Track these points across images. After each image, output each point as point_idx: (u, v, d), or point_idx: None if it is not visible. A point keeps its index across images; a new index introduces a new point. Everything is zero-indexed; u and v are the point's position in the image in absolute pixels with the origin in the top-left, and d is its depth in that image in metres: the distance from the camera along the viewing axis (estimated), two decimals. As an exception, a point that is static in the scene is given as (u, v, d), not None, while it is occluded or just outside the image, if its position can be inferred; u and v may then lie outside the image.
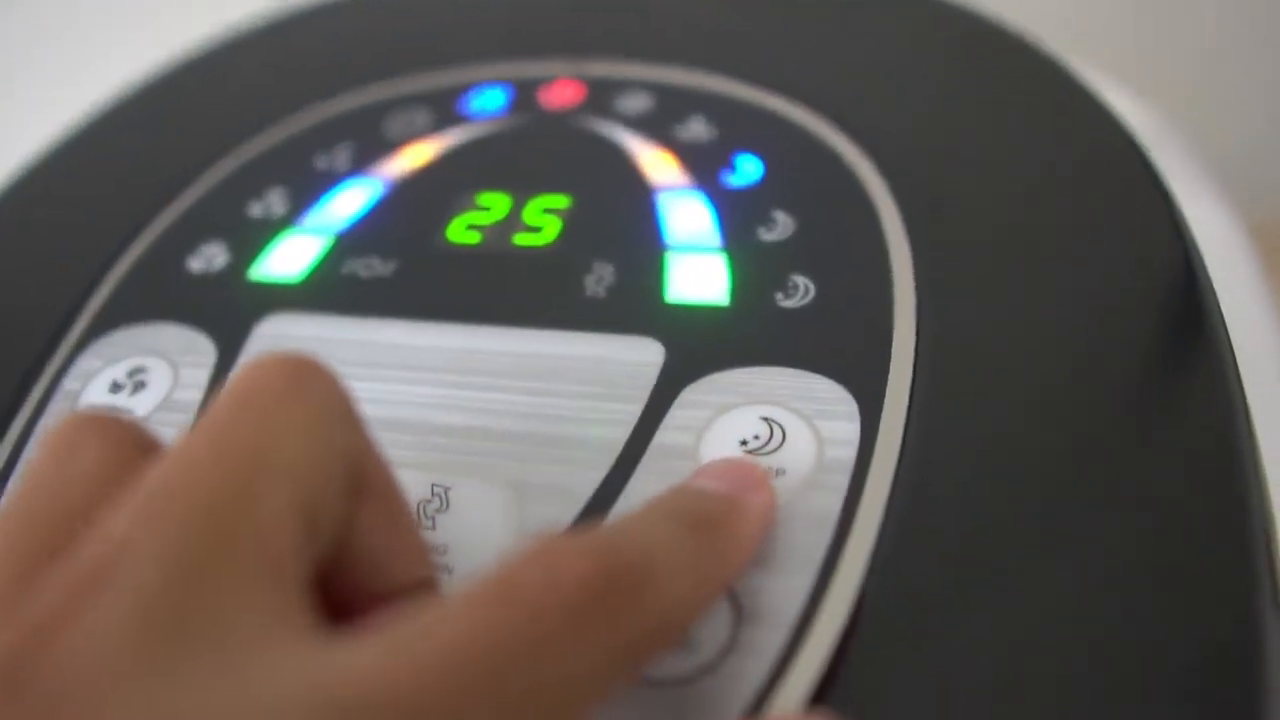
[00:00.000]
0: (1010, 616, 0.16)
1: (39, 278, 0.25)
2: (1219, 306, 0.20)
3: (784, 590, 0.16)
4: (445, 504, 0.18)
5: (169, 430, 0.21)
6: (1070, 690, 0.15)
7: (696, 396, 0.19)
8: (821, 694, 0.15)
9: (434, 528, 0.18)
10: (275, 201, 0.26)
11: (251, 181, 0.27)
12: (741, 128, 0.25)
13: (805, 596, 0.16)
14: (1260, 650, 0.15)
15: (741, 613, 0.16)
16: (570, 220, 0.23)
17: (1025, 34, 0.27)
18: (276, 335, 0.22)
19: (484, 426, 0.19)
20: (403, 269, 0.23)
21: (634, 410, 0.19)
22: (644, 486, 0.18)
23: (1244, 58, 0.70)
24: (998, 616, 0.16)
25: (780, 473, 0.18)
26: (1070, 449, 0.17)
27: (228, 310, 0.23)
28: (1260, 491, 0.17)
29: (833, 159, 0.24)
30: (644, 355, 0.20)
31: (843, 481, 0.17)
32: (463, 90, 0.28)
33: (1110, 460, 0.17)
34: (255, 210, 0.26)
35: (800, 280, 0.21)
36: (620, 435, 0.19)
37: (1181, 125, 0.36)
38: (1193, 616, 0.15)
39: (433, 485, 0.19)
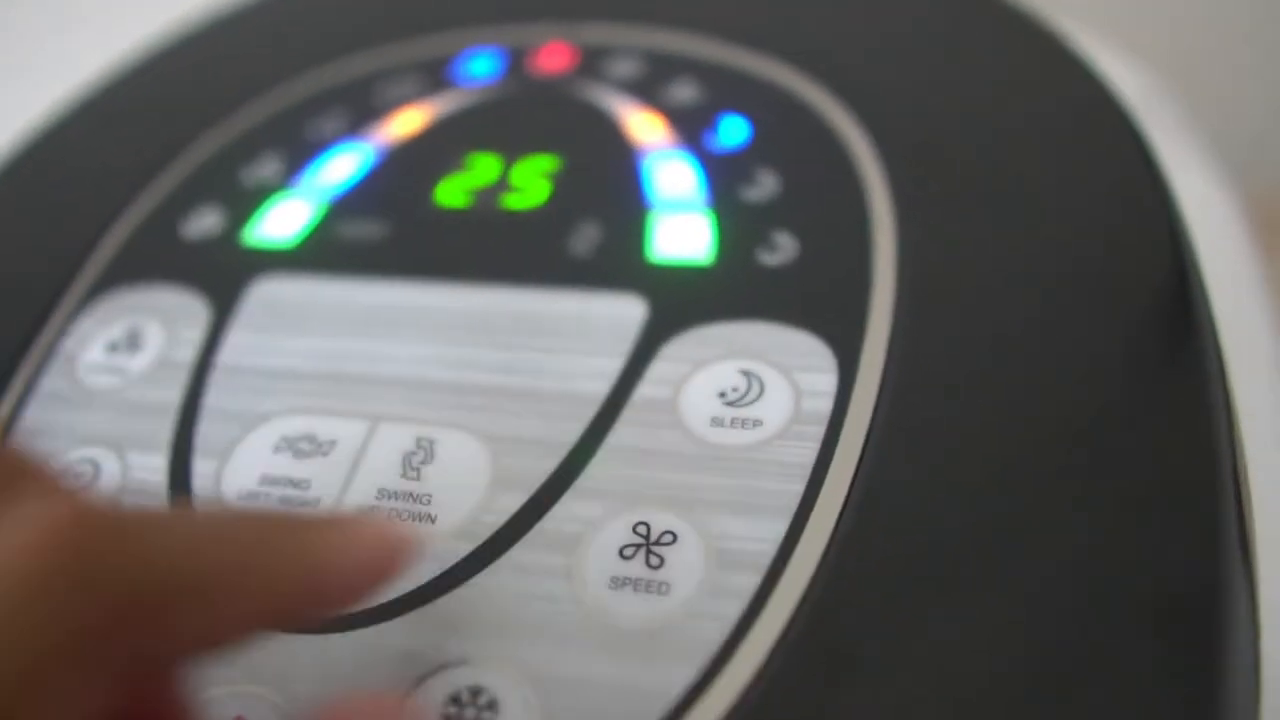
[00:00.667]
0: (979, 564, 0.16)
1: (36, 244, 0.26)
2: (1199, 266, 0.20)
3: (759, 536, 0.16)
4: (430, 456, 0.19)
5: (165, 390, 0.21)
6: (1039, 632, 0.15)
7: (677, 351, 0.19)
8: (792, 635, 0.15)
9: (419, 478, 0.18)
10: (268, 167, 0.26)
11: (244, 148, 0.27)
12: (729, 90, 0.25)
13: (778, 543, 0.16)
14: (1221, 596, 0.15)
15: (718, 557, 0.16)
16: (558, 182, 0.24)
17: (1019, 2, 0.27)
18: (268, 297, 0.23)
19: (469, 381, 0.20)
20: (393, 232, 0.23)
21: (615, 365, 0.19)
22: (624, 438, 0.18)
23: (1248, 25, 0.69)
24: (967, 564, 0.16)
25: (758, 424, 0.18)
26: (1042, 401, 0.18)
27: (222, 273, 0.23)
28: (1232, 440, 0.17)
29: (819, 121, 0.24)
30: (626, 311, 0.20)
31: (818, 432, 0.18)
32: (454, 56, 0.28)
33: (1080, 412, 0.18)
34: (248, 176, 0.26)
35: (782, 238, 0.21)
36: (602, 389, 0.19)
37: (1178, 90, 0.36)
38: (1160, 555, 0.15)
39: (418, 438, 0.19)
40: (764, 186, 0.22)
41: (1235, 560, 0.16)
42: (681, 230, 0.22)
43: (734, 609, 0.16)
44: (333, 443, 0.19)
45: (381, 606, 0.17)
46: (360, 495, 0.18)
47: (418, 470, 0.19)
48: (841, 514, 0.17)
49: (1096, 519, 0.16)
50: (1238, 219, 0.30)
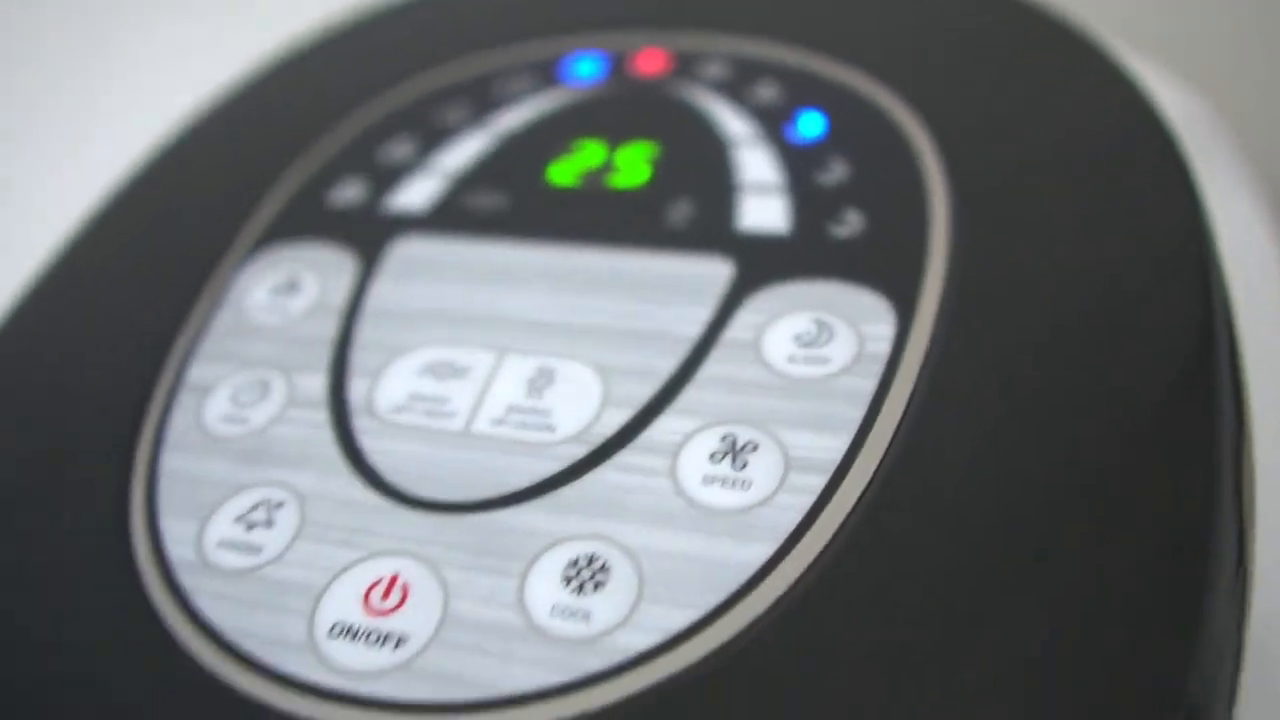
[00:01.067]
0: (1006, 476, 0.19)
1: (206, 206, 0.30)
2: (1214, 240, 0.23)
3: (826, 447, 0.20)
4: (550, 380, 0.22)
5: (322, 326, 0.25)
6: (1061, 540, 0.18)
7: (759, 303, 0.23)
8: (851, 523, 0.19)
9: (540, 398, 0.22)
10: (401, 149, 0.30)
11: (380, 133, 0.31)
12: (807, 90, 0.29)
13: (843, 452, 0.20)
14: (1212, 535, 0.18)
15: (792, 461, 0.20)
16: (657, 165, 0.27)
17: (1076, 21, 0.30)
18: (406, 254, 0.26)
19: (580, 323, 0.23)
20: (511, 204, 0.27)
21: (706, 313, 0.23)
22: (713, 371, 0.22)
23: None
24: (997, 475, 0.19)
25: (827, 361, 0.21)
26: (1066, 356, 0.21)
27: (365, 233, 0.27)
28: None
29: (886, 119, 0.27)
30: (716, 270, 0.24)
31: (878, 369, 0.21)
32: (561, 58, 0.32)
33: (1102, 368, 0.21)
34: (384, 156, 0.30)
35: (851, 214, 0.24)
36: (695, 331, 0.23)
37: (1234, 124, 0.38)
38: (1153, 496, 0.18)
39: (539, 367, 0.23)
40: (836, 172, 0.26)
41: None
42: (764, 207, 0.25)
43: (804, 501, 0.19)
44: (467, 369, 0.23)
45: (507, 495, 0.20)
46: (491, 411, 0.22)
47: (540, 392, 0.22)
48: (895, 434, 0.20)
49: (1101, 451, 0.19)
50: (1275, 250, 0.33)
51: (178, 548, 0.21)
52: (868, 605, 0.18)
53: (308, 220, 0.28)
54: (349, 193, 0.29)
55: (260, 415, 0.23)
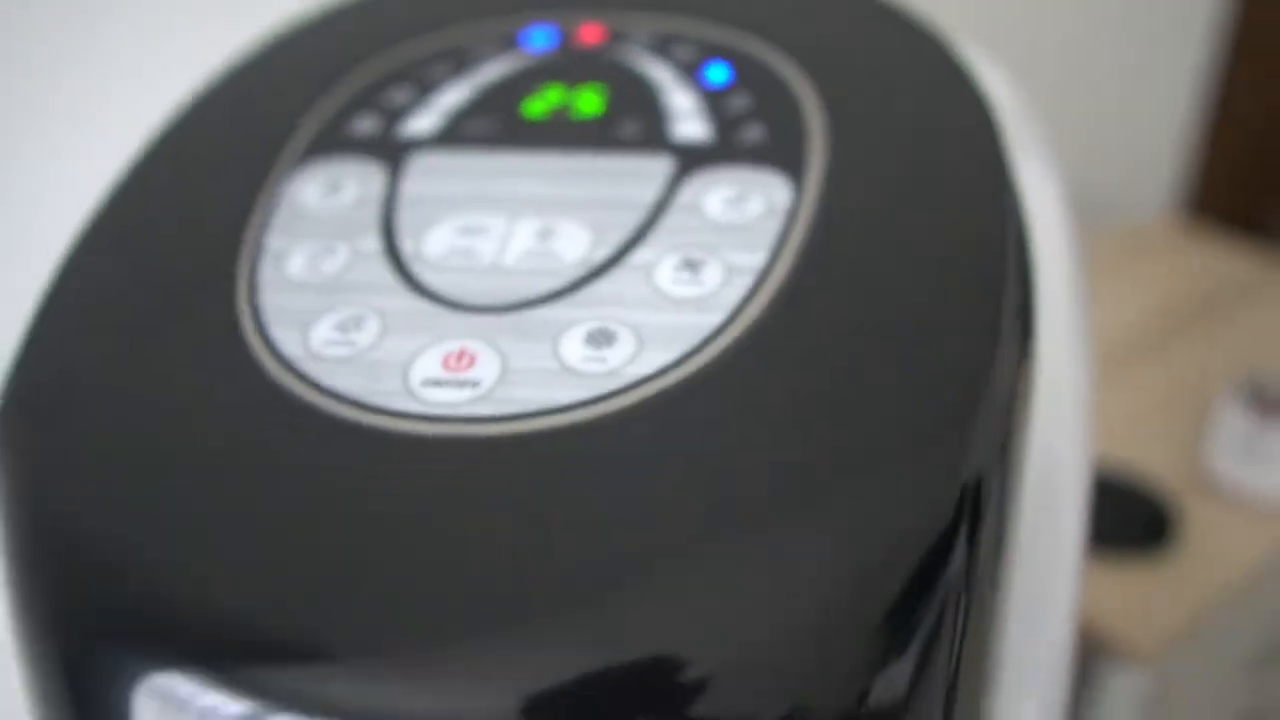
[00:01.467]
0: (863, 276, 0.29)
1: (244, 138, 0.37)
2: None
3: (754, 259, 0.29)
4: (552, 232, 0.31)
5: (368, 211, 0.33)
6: (900, 328, 0.28)
7: (694, 181, 0.32)
8: (771, 304, 0.28)
9: (546, 243, 0.31)
10: (401, 95, 0.38)
11: (380, 86, 0.39)
12: (717, 51, 0.38)
13: (765, 261, 0.29)
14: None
15: (730, 268, 0.29)
16: (608, 102, 0.37)
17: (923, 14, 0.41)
18: (424, 162, 0.35)
19: (568, 196, 0.32)
20: (499, 129, 0.36)
21: (658, 187, 0.32)
22: (669, 222, 0.31)
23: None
24: (856, 274, 0.29)
25: (747, 212, 0.31)
26: (901, 204, 0.31)
27: (386, 152, 0.36)
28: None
29: (776, 69, 0.37)
30: (661, 164, 0.33)
31: (784, 214, 0.31)
32: (519, 30, 0.41)
33: (921, 222, 0.31)
34: (387, 102, 0.38)
35: (754, 126, 0.34)
36: (653, 198, 0.32)
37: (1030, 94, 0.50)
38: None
39: (542, 225, 0.31)
40: (740, 102, 0.36)
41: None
42: (691, 126, 0.35)
43: (741, 291, 0.28)
44: (488, 229, 0.32)
45: (535, 298, 0.29)
46: (512, 253, 0.31)
47: (545, 239, 0.31)
48: (798, 250, 0.30)
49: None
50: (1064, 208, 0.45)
51: (287, 347, 0.29)
52: (781, 349, 0.27)
53: (334, 146, 0.36)
54: (365, 125, 0.37)
55: (331, 266, 0.31)
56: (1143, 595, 0.65)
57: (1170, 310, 0.90)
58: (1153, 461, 0.74)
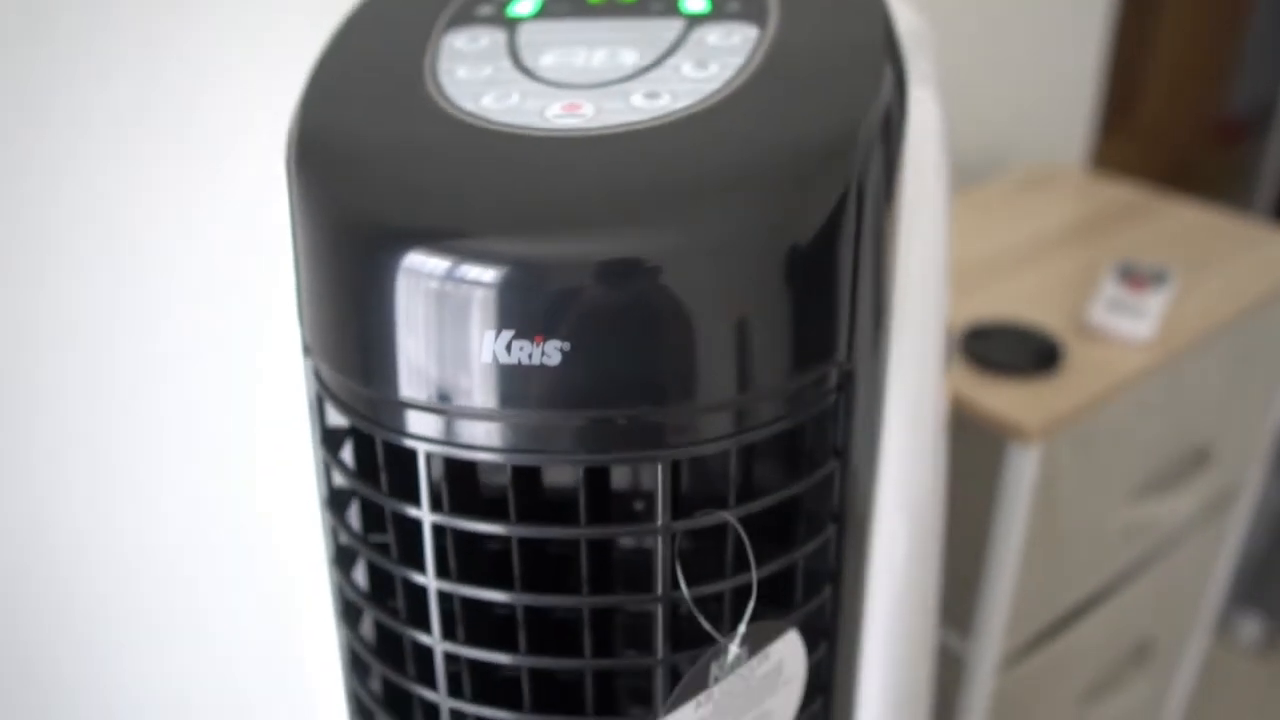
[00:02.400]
0: (793, 70, 0.50)
1: (408, 24, 0.59)
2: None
3: (743, 50, 0.50)
4: (618, 53, 0.52)
5: (500, 45, 0.54)
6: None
7: (698, 30, 0.54)
8: (753, 72, 0.49)
9: (617, 56, 0.52)
10: (507, -5, 0.60)
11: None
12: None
13: (749, 50, 0.50)
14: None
15: (724, 63, 0.50)
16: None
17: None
18: (529, 29, 0.56)
19: (626, 38, 0.53)
20: (574, 10, 0.57)
21: (677, 31, 0.53)
22: (688, 48, 0.52)
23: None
24: (795, 70, 0.50)
25: (733, 40, 0.52)
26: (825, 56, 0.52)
27: (503, 23, 0.57)
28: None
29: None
30: (678, 21, 0.54)
31: (753, 37, 0.52)
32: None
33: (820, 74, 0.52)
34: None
35: (735, 2, 0.56)
36: (674, 37, 0.53)
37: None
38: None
39: (611, 50, 0.53)
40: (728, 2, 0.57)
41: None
42: (697, 5, 0.56)
43: (733, 69, 0.50)
44: (576, 54, 0.53)
45: (604, 81, 0.50)
46: (595, 63, 0.52)
47: (614, 58, 0.52)
48: (764, 50, 0.51)
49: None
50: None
51: (468, 105, 0.50)
52: (751, 99, 0.48)
53: (468, 20, 0.58)
54: (485, 9, 0.58)
55: (484, 73, 0.52)
56: (1038, 400, 0.87)
57: (1078, 222, 1.13)
58: (1051, 317, 0.96)
